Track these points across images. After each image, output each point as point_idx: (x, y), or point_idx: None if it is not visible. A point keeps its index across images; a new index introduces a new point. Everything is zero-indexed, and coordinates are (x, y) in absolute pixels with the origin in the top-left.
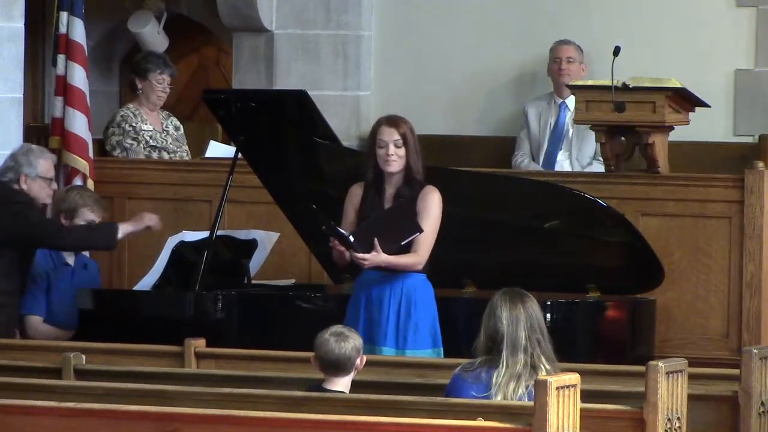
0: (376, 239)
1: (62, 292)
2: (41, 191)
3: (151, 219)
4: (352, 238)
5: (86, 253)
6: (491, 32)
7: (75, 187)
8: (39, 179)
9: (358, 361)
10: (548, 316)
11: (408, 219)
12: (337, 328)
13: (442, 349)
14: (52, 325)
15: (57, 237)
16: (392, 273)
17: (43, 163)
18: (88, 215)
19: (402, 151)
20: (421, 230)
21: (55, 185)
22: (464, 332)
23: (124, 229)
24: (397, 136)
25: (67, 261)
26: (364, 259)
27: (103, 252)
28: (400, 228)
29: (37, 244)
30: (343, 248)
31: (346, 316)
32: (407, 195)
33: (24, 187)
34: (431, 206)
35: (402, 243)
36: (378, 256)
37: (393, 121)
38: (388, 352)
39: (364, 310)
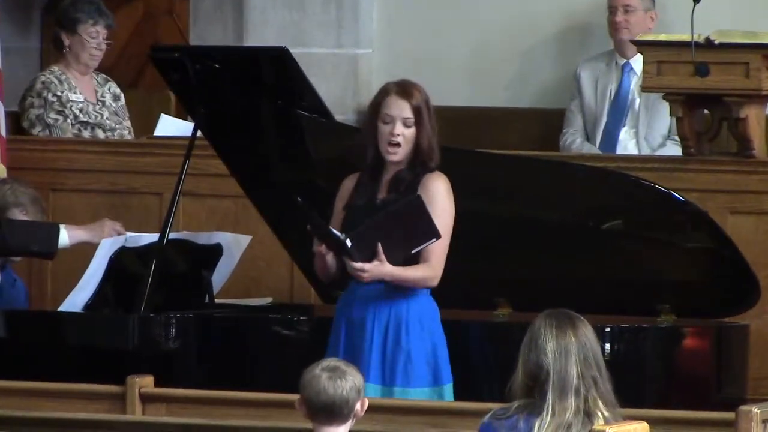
0: (379, 245)
1: None
2: None
3: (113, 230)
4: (349, 243)
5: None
6: None
7: (8, 181)
8: None
9: (357, 405)
10: (607, 346)
11: (421, 221)
12: (332, 361)
13: (451, 386)
14: None
15: None
16: (390, 289)
17: None
18: (20, 218)
19: (411, 132)
20: (438, 236)
21: None
22: (495, 368)
23: (73, 236)
24: (408, 113)
25: None
26: (364, 270)
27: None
28: (410, 232)
29: None
30: (328, 254)
31: (327, 346)
32: (407, 180)
33: None
34: (438, 199)
35: (413, 251)
36: (381, 267)
37: (405, 90)
38: (372, 391)
39: (345, 335)
